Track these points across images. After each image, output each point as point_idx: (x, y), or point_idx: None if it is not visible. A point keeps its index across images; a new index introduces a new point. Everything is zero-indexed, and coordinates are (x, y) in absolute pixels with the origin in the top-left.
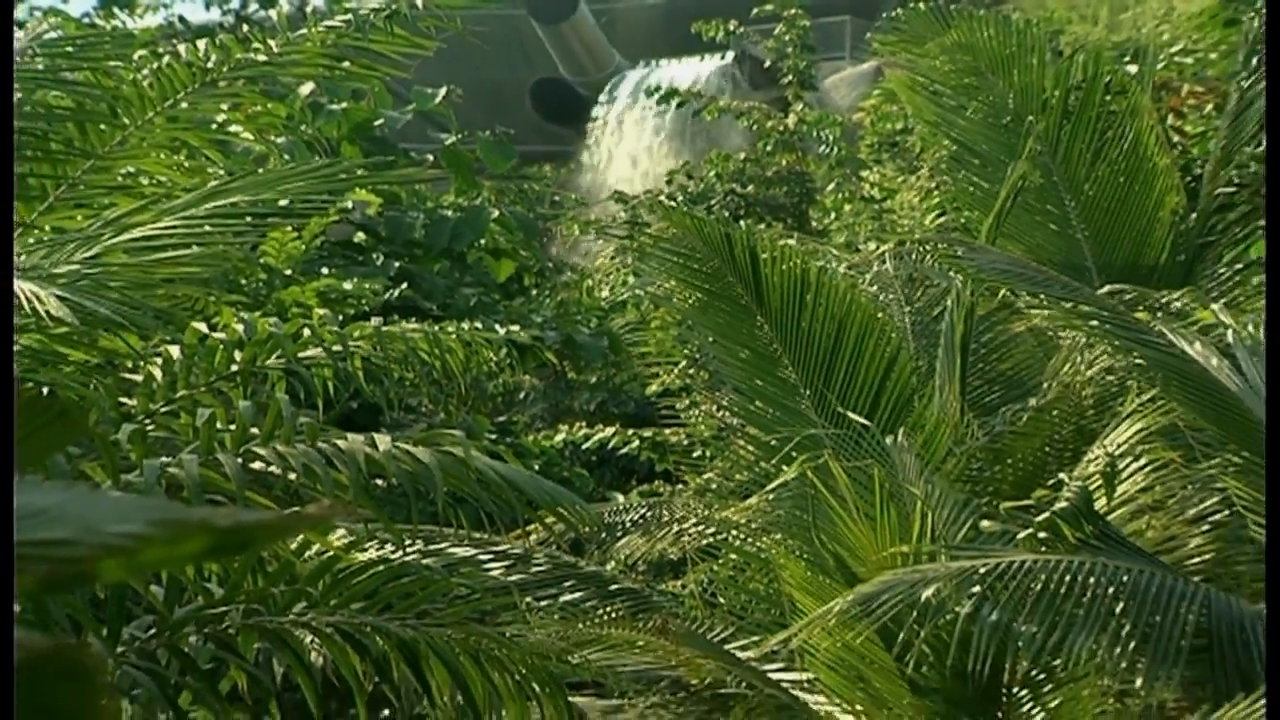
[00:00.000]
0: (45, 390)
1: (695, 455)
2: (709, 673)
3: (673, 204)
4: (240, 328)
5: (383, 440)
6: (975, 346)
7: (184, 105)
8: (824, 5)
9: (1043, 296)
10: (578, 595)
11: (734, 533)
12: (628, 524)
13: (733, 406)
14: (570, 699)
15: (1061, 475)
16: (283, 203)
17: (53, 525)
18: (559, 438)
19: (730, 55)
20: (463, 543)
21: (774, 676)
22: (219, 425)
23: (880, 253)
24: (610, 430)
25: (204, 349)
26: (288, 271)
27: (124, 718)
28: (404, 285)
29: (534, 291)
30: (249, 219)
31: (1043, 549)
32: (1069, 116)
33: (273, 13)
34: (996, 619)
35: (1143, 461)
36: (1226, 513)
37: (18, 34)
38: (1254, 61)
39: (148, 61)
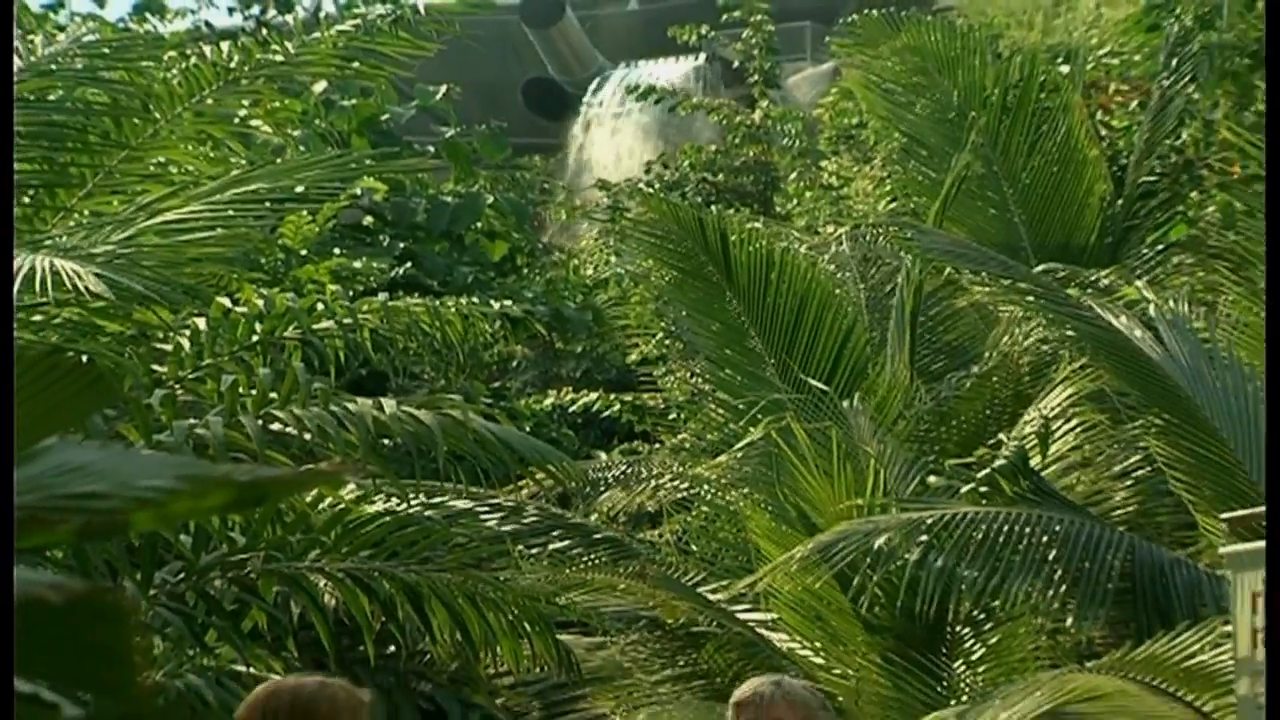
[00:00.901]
0: (84, 358)
1: (671, 417)
2: (683, 613)
3: (650, 191)
4: (260, 302)
5: (389, 404)
6: (923, 319)
7: (209, 101)
8: (786, 11)
9: (984, 274)
10: (565, 543)
11: (705, 487)
12: (610, 479)
13: (705, 373)
14: (558, 636)
15: (1001, 435)
16: (299, 189)
17: (91, 480)
18: (548, 402)
19: (702, 57)
20: (461, 496)
21: (741, 616)
22: (241, 390)
23: (838, 235)
24: (594, 395)
25: (228, 321)
26: (303, 251)
27: (155, 654)
28: (408, 264)
29: (525, 270)
30: (268, 204)
31: (983, 502)
32: (1007, 112)
33: (290, 18)
34: (942, 565)
35: (1073, 423)
36: (1149, 469)
37: (59, 37)
38: (1173, 63)
39: (177, 62)
